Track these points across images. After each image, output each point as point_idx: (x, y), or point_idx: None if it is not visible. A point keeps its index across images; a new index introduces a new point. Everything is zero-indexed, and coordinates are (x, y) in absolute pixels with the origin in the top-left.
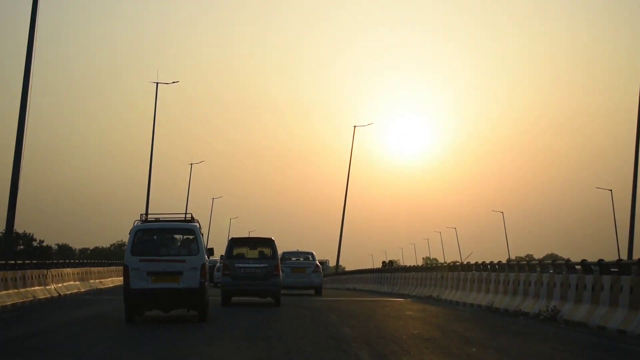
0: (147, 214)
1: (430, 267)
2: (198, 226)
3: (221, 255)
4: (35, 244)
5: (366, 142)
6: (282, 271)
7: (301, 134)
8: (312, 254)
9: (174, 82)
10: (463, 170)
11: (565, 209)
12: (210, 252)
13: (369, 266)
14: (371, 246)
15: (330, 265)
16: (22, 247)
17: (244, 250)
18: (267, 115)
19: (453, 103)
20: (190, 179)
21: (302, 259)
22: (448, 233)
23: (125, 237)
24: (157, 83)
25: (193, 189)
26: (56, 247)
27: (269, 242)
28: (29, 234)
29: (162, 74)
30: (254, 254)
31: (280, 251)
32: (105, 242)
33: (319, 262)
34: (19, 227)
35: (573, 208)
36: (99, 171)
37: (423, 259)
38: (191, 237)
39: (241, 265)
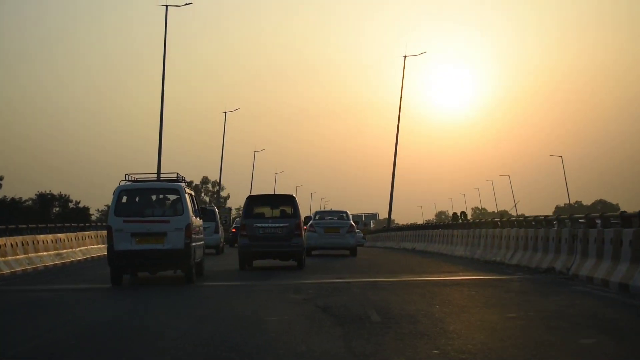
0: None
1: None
2: (183, 186)
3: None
4: (72, 205)
5: (415, 95)
6: (315, 231)
7: (346, 88)
8: (346, 213)
9: None
10: (513, 117)
11: (616, 156)
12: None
13: (418, 219)
14: (419, 198)
15: (379, 218)
16: (57, 209)
17: (263, 209)
18: (309, 69)
19: (495, 50)
20: (225, 128)
21: (335, 219)
22: (502, 181)
23: None
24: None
25: (232, 143)
26: (98, 212)
27: (289, 200)
28: (65, 195)
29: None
30: (274, 212)
31: (317, 209)
32: None
33: (367, 216)
34: (56, 188)
35: (623, 155)
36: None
37: (472, 209)
38: (175, 197)
39: (259, 225)
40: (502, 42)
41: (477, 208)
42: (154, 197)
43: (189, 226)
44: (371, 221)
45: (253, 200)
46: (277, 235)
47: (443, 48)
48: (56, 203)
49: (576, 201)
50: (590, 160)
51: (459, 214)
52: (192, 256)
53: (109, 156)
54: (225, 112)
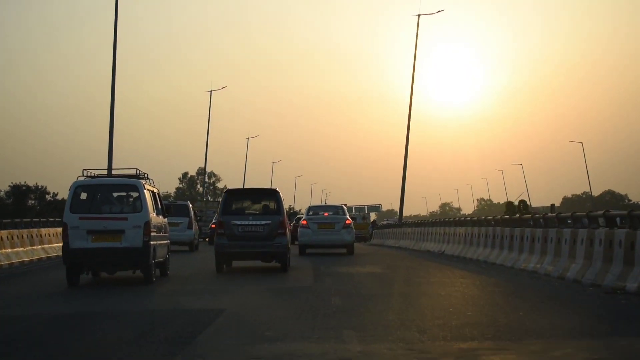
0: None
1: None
2: (143, 182)
3: None
4: (49, 197)
5: (425, 87)
6: (308, 228)
7: (350, 75)
8: (342, 207)
9: None
10: (527, 105)
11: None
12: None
13: (421, 211)
14: (422, 189)
15: (382, 209)
16: (34, 202)
17: (243, 204)
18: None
19: (512, 35)
20: (210, 109)
21: (330, 214)
22: (514, 171)
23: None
24: None
25: (227, 131)
26: None
27: (272, 194)
28: (42, 187)
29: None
30: (255, 208)
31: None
32: None
33: (370, 207)
34: (31, 179)
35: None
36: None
37: (477, 200)
38: (134, 194)
39: (239, 222)
40: (520, 27)
41: (482, 199)
42: (112, 194)
43: (147, 224)
44: (371, 213)
45: (232, 195)
46: (259, 234)
47: (457, 34)
48: (32, 195)
49: (584, 192)
50: (606, 149)
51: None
52: (150, 255)
53: (88, 146)
54: (211, 91)
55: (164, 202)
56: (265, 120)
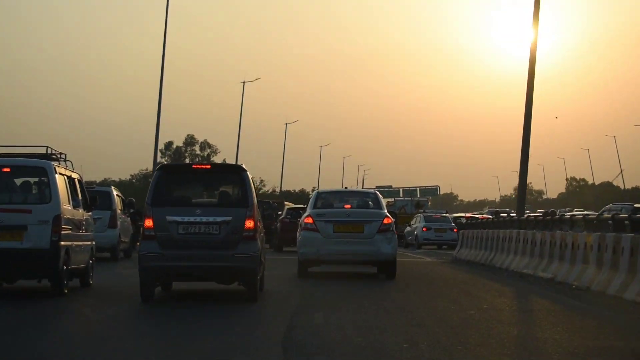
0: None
1: None
2: (54, 165)
3: None
4: None
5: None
6: (317, 229)
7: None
8: (374, 194)
9: None
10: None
11: None
12: None
13: (488, 195)
14: (492, 167)
15: (440, 193)
16: None
17: (187, 189)
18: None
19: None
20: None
21: (354, 205)
22: (606, 145)
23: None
24: None
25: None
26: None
27: (236, 174)
28: None
29: None
30: (207, 196)
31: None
32: (123, 174)
33: (424, 190)
34: None
35: None
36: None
37: (566, 180)
38: (42, 179)
39: (178, 218)
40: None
41: (573, 178)
42: (13, 179)
43: (58, 218)
44: (428, 198)
45: (169, 174)
46: (211, 237)
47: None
48: None
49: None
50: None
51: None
52: (61, 259)
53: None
54: (244, 82)
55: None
56: (300, 106)
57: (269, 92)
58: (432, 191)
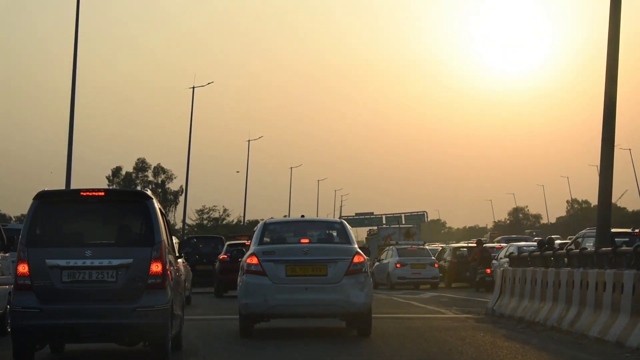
0: None
1: None
2: None
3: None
4: None
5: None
6: (265, 274)
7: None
8: (340, 223)
9: None
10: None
11: None
12: None
13: (478, 221)
14: (485, 191)
15: (427, 219)
16: None
17: (75, 224)
18: None
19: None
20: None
21: (314, 238)
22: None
23: None
24: None
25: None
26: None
27: (137, 203)
28: None
29: None
30: (101, 233)
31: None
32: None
33: (409, 217)
34: None
35: None
36: None
37: (567, 202)
38: None
39: (62, 263)
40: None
41: (574, 200)
42: None
43: None
44: (418, 224)
45: (50, 204)
46: (105, 286)
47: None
48: None
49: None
50: None
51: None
52: None
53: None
54: (193, 87)
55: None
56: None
57: (227, 103)
58: (418, 218)
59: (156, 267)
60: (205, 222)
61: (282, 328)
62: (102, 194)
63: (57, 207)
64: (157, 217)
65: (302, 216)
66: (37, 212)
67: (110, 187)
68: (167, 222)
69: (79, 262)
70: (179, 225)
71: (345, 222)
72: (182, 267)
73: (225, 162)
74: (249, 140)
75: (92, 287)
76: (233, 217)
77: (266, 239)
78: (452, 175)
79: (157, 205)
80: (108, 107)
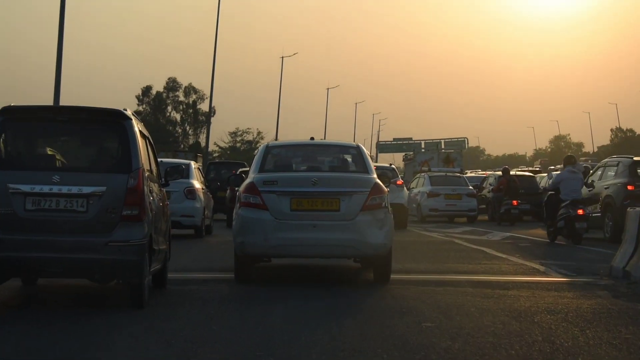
0: None
1: None
2: None
3: None
4: None
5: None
6: (266, 207)
7: None
8: (357, 148)
9: None
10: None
11: None
12: None
13: (517, 148)
14: (526, 117)
15: (468, 145)
16: None
17: (42, 146)
18: None
19: None
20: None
21: (325, 166)
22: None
23: None
24: None
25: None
26: None
27: (113, 123)
28: None
29: None
30: (71, 156)
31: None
32: None
33: (449, 142)
34: None
35: None
36: None
37: (611, 130)
38: None
39: (26, 188)
40: None
41: (619, 129)
42: None
43: None
44: (460, 150)
45: (14, 120)
46: (74, 217)
47: None
48: None
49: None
50: None
51: None
52: None
53: None
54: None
55: None
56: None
57: (258, 20)
58: (459, 144)
59: (132, 197)
60: (238, 144)
61: (288, 265)
62: (75, 112)
63: (23, 124)
64: (136, 140)
65: (312, 138)
66: (0, 129)
67: (85, 106)
68: (151, 145)
69: (45, 189)
70: (211, 147)
71: (363, 147)
72: (164, 194)
73: (258, 84)
74: (282, 57)
75: (59, 217)
76: (267, 140)
77: (268, 166)
78: (492, 102)
79: (137, 126)
80: (139, 28)
